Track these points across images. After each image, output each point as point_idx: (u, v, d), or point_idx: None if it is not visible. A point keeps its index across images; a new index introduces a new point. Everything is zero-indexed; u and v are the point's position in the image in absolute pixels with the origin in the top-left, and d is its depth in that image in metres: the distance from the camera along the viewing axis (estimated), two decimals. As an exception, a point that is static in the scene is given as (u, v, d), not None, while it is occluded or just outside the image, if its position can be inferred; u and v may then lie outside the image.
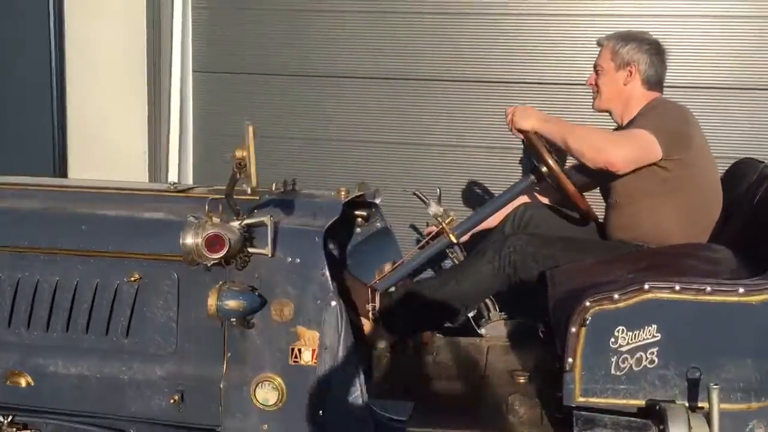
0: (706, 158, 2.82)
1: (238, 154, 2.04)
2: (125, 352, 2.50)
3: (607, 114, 2.99)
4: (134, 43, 4.71)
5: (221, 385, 2.42)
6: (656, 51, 2.87)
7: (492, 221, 3.19)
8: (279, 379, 2.40)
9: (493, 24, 4.28)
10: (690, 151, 2.71)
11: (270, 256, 2.34)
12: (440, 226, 3.00)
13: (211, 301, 2.26)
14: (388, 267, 3.09)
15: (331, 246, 2.88)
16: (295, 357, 2.40)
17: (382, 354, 2.99)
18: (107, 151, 4.72)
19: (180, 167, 4.88)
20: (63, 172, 4.89)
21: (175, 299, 2.46)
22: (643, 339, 2.17)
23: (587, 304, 2.19)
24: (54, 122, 4.89)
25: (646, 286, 2.16)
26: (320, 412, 2.35)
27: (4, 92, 4.92)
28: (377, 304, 2.92)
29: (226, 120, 4.77)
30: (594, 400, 2.22)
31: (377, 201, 3.29)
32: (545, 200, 3.24)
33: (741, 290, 2.14)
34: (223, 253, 2.21)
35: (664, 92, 2.95)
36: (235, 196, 2.36)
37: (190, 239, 2.22)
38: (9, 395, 2.54)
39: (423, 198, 3.19)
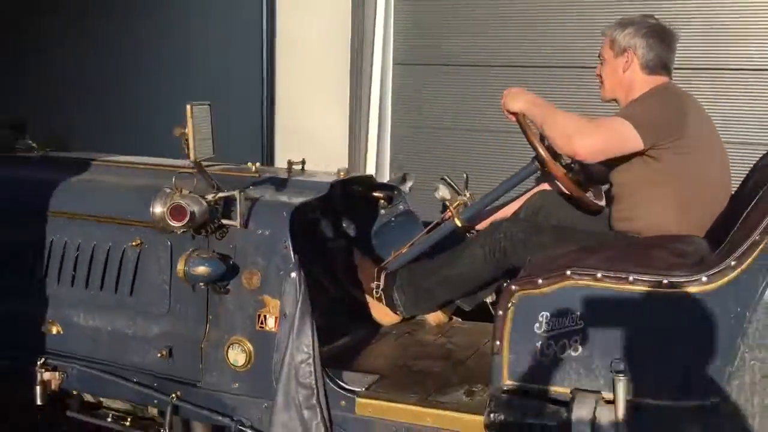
0: (707, 148, 2.65)
1: (177, 132, 2.27)
2: (130, 309, 2.82)
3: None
4: (339, 36, 5.03)
5: (202, 345, 2.68)
6: (655, 33, 2.72)
7: (509, 209, 3.19)
8: (248, 343, 2.61)
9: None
10: (682, 140, 2.56)
11: (239, 227, 2.55)
12: (448, 210, 3.06)
13: (180, 266, 2.51)
14: (404, 250, 3.19)
15: (323, 223, 3.03)
16: (261, 323, 2.60)
17: (388, 331, 3.11)
18: (310, 142, 5.01)
19: (378, 157, 5.18)
20: (270, 161, 5.30)
21: (168, 264, 2.74)
22: (566, 326, 2.14)
23: (513, 288, 2.19)
24: (263, 114, 5.30)
25: (568, 272, 2.12)
26: (274, 375, 2.53)
27: (220, 87, 5.37)
28: (381, 284, 3.04)
29: (421, 111, 5.00)
30: (521, 384, 2.22)
31: (407, 186, 3.40)
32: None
33: (665, 281, 2.04)
34: (184, 222, 2.44)
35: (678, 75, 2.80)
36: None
37: (158, 208, 2.48)
38: (43, 341, 2.95)
39: (451, 182, 3.25)
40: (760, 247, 1.99)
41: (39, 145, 3.50)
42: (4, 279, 3.01)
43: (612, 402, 2.03)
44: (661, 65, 2.75)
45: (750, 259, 2.00)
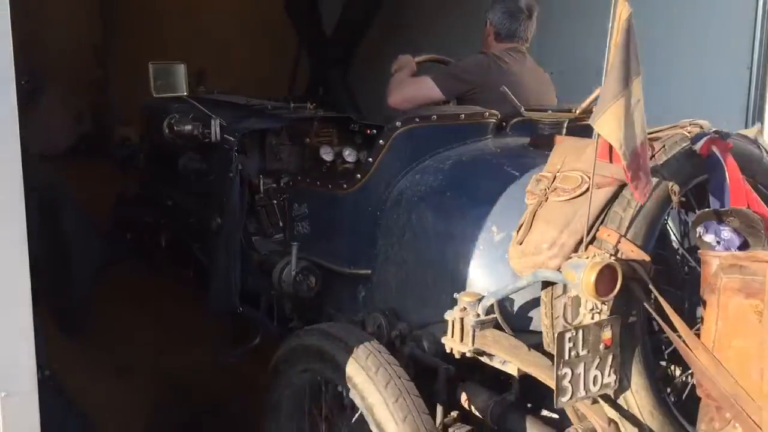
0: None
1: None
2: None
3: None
4: None
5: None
6: (504, 4, 3.23)
7: None
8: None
9: None
10: (466, 97, 3.10)
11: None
12: None
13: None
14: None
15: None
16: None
17: None
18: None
19: None
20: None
21: None
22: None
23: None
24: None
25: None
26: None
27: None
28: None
29: None
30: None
31: None
32: None
33: (330, 186, 2.82)
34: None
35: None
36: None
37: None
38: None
39: None
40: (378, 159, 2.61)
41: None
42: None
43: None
44: (508, 34, 3.22)
45: (370, 172, 2.64)
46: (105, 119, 8.48)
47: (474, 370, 2.20)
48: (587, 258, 1.80)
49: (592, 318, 1.84)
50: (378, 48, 5.93)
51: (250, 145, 3.38)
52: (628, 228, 1.96)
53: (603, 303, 1.82)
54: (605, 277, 1.78)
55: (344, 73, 6.26)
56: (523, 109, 2.65)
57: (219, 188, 3.25)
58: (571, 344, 1.81)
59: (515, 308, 2.19)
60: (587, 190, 1.97)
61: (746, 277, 1.68)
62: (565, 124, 2.60)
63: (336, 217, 2.78)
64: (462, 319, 2.11)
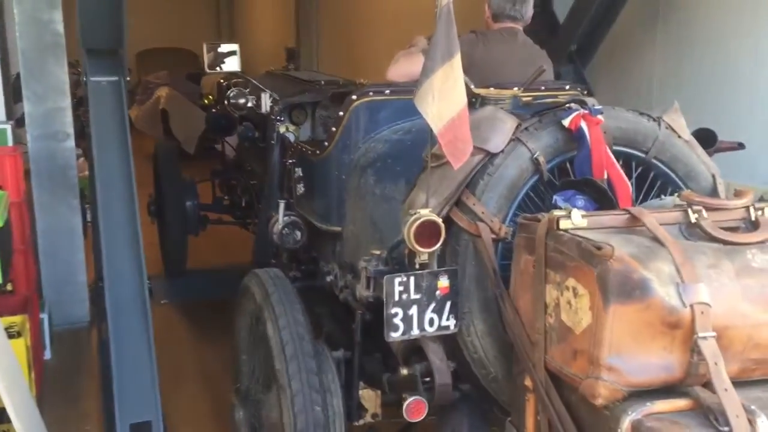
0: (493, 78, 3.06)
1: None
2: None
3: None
4: None
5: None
6: None
7: None
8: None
9: None
10: (471, 68, 3.03)
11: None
12: None
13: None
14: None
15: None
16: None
17: None
18: None
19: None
20: None
21: None
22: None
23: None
24: None
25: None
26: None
27: None
28: None
29: None
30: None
31: None
32: None
33: (310, 152, 3.21)
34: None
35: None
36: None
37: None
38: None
39: None
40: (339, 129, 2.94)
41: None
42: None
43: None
44: (502, 14, 3.34)
45: (334, 140, 2.96)
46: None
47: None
48: (415, 213, 2.08)
49: (418, 267, 2.11)
50: (628, 38, 4.72)
51: (302, 116, 3.83)
52: (483, 192, 2.20)
53: (427, 253, 2.09)
54: (426, 230, 2.06)
55: (580, 70, 4.88)
56: (473, 86, 2.88)
57: (268, 154, 3.73)
58: (402, 288, 2.10)
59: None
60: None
61: (529, 235, 1.88)
62: (508, 101, 2.80)
63: (315, 179, 3.17)
64: (366, 268, 2.44)
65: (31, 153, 4.45)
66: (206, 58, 3.85)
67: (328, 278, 3.01)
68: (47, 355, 4.19)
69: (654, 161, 2.38)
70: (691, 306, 1.63)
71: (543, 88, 3.08)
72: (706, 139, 2.72)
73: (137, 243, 2.88)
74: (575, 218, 1.78)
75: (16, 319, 3.42)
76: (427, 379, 2.23)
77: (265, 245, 3.59)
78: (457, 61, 1.99)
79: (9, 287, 3.72)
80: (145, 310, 2.75)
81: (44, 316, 4.21)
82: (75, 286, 4.61)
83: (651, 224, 1.76)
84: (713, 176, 2.44)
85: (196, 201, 5.10)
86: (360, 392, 2.62)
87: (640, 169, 2.40)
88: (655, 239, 1.73)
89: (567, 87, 3.18)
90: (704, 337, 1.62)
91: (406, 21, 5.53)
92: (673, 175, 2.40)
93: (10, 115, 4.53)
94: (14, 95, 4.73)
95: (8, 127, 4.13)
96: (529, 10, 3.41)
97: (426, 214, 2.08)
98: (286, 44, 10.75)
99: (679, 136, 2.44)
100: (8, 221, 3.34)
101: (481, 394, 2.28)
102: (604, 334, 1.64)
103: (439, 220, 2.08)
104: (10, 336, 3.15)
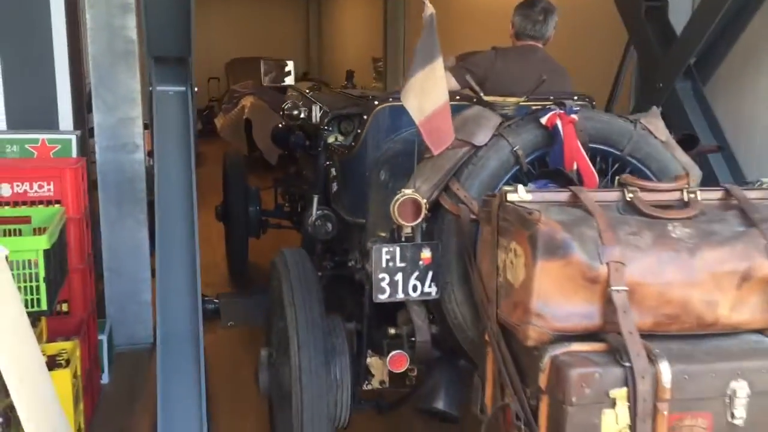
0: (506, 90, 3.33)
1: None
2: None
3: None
4: None
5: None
6: (522, 9, 3.72)
7: None
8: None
9: None
10: (486, 83, 3.49)
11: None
12: None
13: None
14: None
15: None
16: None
17: None
18: None
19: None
20: None
21: None
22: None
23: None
24: None
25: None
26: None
27: None
28: None
29: None
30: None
31: None
32: None
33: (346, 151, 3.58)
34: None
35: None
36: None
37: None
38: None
39: None
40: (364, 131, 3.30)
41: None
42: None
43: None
44: (523, 33, 3.73)
45: (360, 141, 3.33)
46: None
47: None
48: (400, 193, 2.45)
49: (404, 239, 2.47)
50: (756, 50, 4.29)
51: (350, 127, 4.25)
52: (467, 179, 2.55)
53: (411, 227, 2.45)
54: (408, 207, 2.41)
55: (699, 86, 4.44)
56: (482, 94, 3.22)
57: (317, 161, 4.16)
58: (389, 257, 2.46)
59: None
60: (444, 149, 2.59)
61: (488, 209, 2.21)
62: (512, 108, 3.13)
63: (345, 177, 3.56)
64: (372, 248, 2.81)
65: (98, 164, 4.33)
66: (263, 75, 4.30)
67: (350, 263, 3.39)
68: (105, 379, 4.08)
69: (629, 158, 2.67)
70: (608, 264, 1.93)
71: (552, 98, 3.40)
72: (689, 141, 2.99)
73: (194, 264, 2.75)
74: (521, 193, 2.10)
75: (67, 345, 3.23)
76: (413, 339, 2.58)
77: (309, 240, 4.00)
78: (438, 63, 2.35)
79: (65, 308, 3.59)
80: (197, 335, 2.62)
81: (103, 338, 4.08)
82: (139, 305, 4.44)
83: (586, 199, 2.07)
84: (686, 172, 2.71)
85: (259, 206, 5.58)
86: (368, 360, 2.97)
87: (617, 165, 2.69)
88: (587, 211, 2.04)
89: (575, 98, 3.48)
90: (617, 290, 1.92)
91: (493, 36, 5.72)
92: (647, 171, 2.68)
93: (80, 124, 4.32)
94: (88, 105, 4.54)
95: (73, 138, 3.92)
96: (548, 30, 3.75)
97: (409, 193, 2.44)
98: (373, 54, 11.27)
99: (656, 137, 2.73)
100: (63, 240, 3.21)
101: (460, 355, 2.61)
102: (533, 286, 1.95)
103: (420, 198, 2.44)
104: (57, 365, 3.05)
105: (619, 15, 4.91)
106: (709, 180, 3.19)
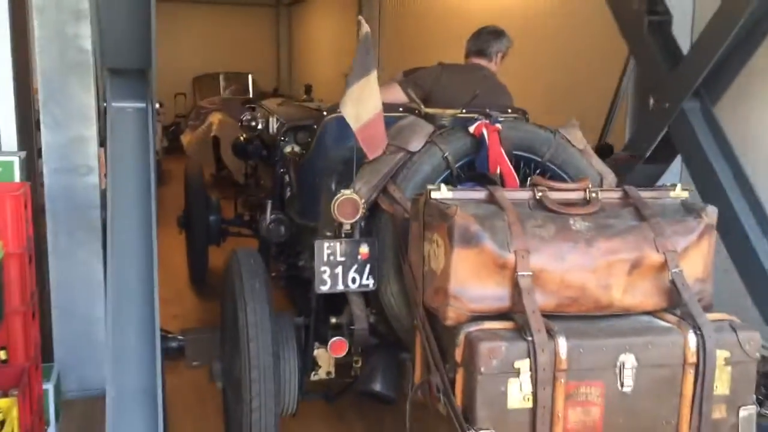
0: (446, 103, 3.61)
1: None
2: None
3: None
4: None
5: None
6: (474, 33, 4.07)
7: None
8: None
9: None
10: (426, 98, 3.73)
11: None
12: None
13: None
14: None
15: None
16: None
17: None
18: None
19: None
20: None
21: None
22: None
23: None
24: None
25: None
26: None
27: None
28: None
29: None
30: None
31: None
32: None
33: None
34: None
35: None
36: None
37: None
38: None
39: None
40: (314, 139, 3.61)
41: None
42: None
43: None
44: (470, 51, 4.06)
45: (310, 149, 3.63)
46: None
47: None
48: (339, 194, 2.71)
49: (344, 235, 2.73)
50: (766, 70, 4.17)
51: (306, 138, 4.50)
52: (402, 182, 2.81)
53: (349, 224, 2.71)
54: (346, 206, 2.67)
55: (709, 107, 4.19)
56: (422, 106, 3.50)
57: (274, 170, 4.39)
58: (329, 251, 2.71)
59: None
60: (382, 154, 2.85)
61: (416, 206, 2.48)
62: (448, 118, 3.41)
63: (296, 183, 3.81)
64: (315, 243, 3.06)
65: (47, 189, 3.81)
66: (222, 87, 4.55)
67: (301, 263, 3.63)
68: None
69: (549, 164, 2.96)
70: (515, 252, 2.21)
71: (488, 110, 3.69)
72: (605, 151, 3.30)
73: (152, 301, 2.38)
74: (443, 191, 2.37)
75: (2, 403, 2.75)
76: (352, 327, 2.83)
77: (265, 243, 4.24)
78: (373, 76, 2.63)
79: (2, 356, 3.18)
80: (154, 392, 2.25)
81: (49, 387, 3.60)
82: (92, 347, 3.88)
83: (499, 197, 2.35)
84: (600, 177, 3.01)
85: (219, 216, 5.80)
86: (315, 352, 3.21)
87: (538, 171, 2.98)
88: (500, 206, 2.32)
89: (509, 111, 3.77)
90: (522, 275, 2.20)
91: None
92: (565, 176, 2.97)
93: (26, 144, 3.80)
94: (37, 122, 3.96)
95: (16, 159, 3.38)
96: (493, 50, 4.04)
97: (348, 193, 2.70)
98: (344, 71, 11.40)
99: (573, 146, 3.02)
100: (0, 278, 2.84)
101: (396, 343, 2.86)
102: (451, 271, 2.22)
103: (357, 198, 2.70)
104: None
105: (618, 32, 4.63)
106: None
